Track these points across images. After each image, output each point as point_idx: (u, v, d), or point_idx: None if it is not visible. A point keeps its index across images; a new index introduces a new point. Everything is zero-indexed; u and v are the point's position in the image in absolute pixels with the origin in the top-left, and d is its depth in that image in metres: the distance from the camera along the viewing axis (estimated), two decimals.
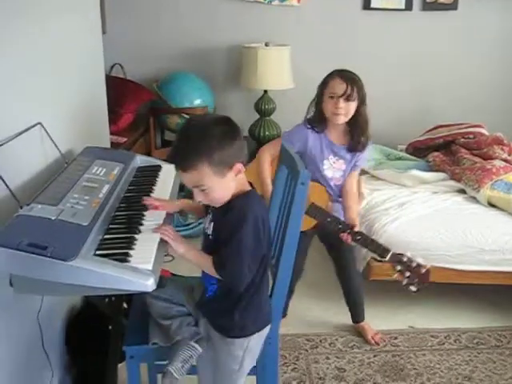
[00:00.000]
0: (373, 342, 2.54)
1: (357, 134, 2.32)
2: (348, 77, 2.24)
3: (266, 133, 3.88)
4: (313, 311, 2.78)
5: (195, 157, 1.41)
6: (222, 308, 1.60)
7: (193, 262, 1.56)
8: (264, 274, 1.61)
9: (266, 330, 1.67)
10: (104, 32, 3.80)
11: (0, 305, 1.55)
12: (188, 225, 3.48)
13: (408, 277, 2.12)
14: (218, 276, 1.52)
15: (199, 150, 1.41)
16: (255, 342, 1.65)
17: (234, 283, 1.53)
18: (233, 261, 1.48)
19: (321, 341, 2.55)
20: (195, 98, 3.74)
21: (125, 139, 3.31)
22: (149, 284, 1.33)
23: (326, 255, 2.56)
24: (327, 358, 2.43)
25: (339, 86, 2.22)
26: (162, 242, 1.52)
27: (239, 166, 1.47)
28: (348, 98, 2.22)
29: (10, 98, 1.68)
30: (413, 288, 2.12)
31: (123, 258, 1.39)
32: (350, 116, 2.27)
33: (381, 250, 2.22)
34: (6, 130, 1.63)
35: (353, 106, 2.24)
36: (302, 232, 2.31)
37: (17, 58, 1.73)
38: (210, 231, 1.58)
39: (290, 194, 1.65)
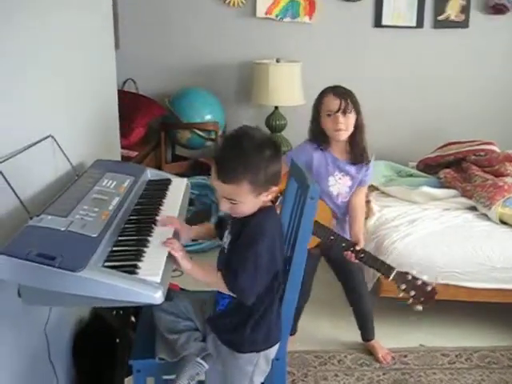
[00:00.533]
0: (383, 360, 2.51)
1: (355, 143, 2.30)
2: (340, 92, 2.24)
3: None
4: (322, 328, 2.75)
5: (242, 173, 1.42)
6: (234, 322, 1.59)
7: (200, 279, 1.54)
8: (278, 291, 1.60)
9: (276, 347, 1.66)
10: (117, 47, 3.86)
11: (8, 316, 1.56)
12: (196, 240, 3.47)
13: (413, 296, 2.10)
14: (226, 291, 1.51)
15: (248, 166, 1.42)
16: (265, 359, 1.63)
17: (244, 296, 1.51)
18: (246, 274, 1.47)
19: (330, 358, 2.53)
20: (206, 114, 3.77)
21: (136, 153, 3.33)
22: (157, 296, 1.32)
23: (332, 273, 2.53)
24: (336, 376, 2.41)
25: (333, 103, 2.22)
26: (171, 257, 1.51)
27: (275, 189, 1.50)
28: (345, 112, 2.22)
29: (23, 110, 1.70)
30: (418, 307, 2.10)
31: (132, 270, 1.38)
32: (350, 130, 2.26)
33: (384, 269, 2.20)
34: (18, 142, 1.65)
35: (351, 118, 2.24)
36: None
37: (31, 71, 1.75)
38: (226, 244, 1.59)
39: (300, 209, 1.65)
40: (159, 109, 3.76)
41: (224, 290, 1.52)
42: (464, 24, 4.01)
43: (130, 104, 3.59)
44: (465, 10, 3.99)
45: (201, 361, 1.60)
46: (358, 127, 2.28)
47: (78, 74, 2.19)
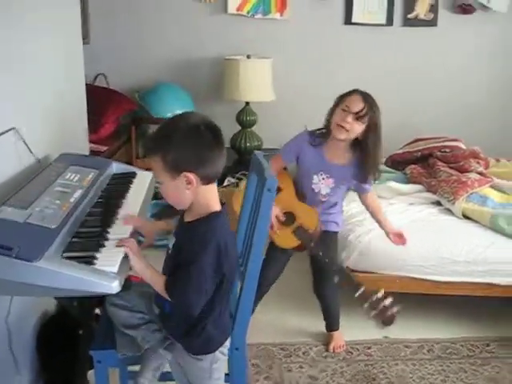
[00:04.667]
0: (332, 351, 2.56)
1: (361, 161, 2.29)
2: (369, 99, 2.23)
3: (248, 144, 3.93)
4: (288, 321, 2.79)
5: (155, 147, 1.42)
6: (182, 329, 1.56)
7: (147, 280, 1.50)
8: (224, 295, 1.55)
9: (228, 340, 1.65)
10: (88, 42, 3.86)
11: None
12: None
13: (373, 316, 2.11)
14: (168, 298, 1.47)
15: (163, 142, 1.41)
16: (220, 353, 1.62)
17: (191, 311, 1.47)
18: (192, 290, 1.42)
19: (295, 350, 2.57)
20: (177, 109, 3.74)
21: (105, 148, 3.33)
22: (113, 286, 1.33)
23: (304, 265, 2.57)
24: (300, 367, 2.44)
25: (356, 103, 2.20)
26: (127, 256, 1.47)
27: (191, 176, 1.40)
28: (358, 118, 2.19)
29: None
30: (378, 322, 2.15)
31: (89, 261, 1.39)
32: (352, 136, 2.23)
33: (353, 286, 2.20)
34: None
35: (359, 127, 2.21)
36: (282, 248, 2.38)
37: None
38: (171, 245, 1.55)
39: (258, 202, 1.67)
40: (130, 104, 3.75)
41: (165, 296, 1.47)
42: (433, 22, 4.09)
43: (101, 99, 3.58)
44: (433, 8, 4.06)
45: (164, 351, 1.61)
46: (367, 147, 2.25)
47: (43, 67, 2.18)
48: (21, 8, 1.95)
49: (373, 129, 2.23)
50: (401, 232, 2.42)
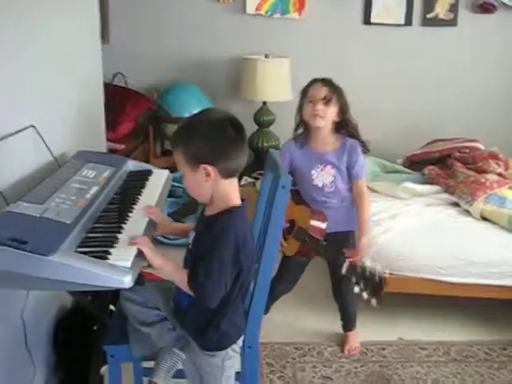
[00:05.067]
0: (347, 352, 2.55)
1: (345, 128, 2.39)
2: (329, 82, 2.33)
3: (265, 144, 3.92)
4: (304, 321, 2.79)
5: (178, 140, 1.49)
6: (198, 324, 1.57)
7: (168, 276, 1.53)
8: (240, 290, 1.57)
9: (241, 339, 1.67)
10: (107, 42, 3.90)
11: None
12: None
13: (362, 288, 2.06)
14: (190, 292, 1.49)
15: (183, 135, 1.49)
16: (232, 350, 1.64)
17: (209, 301, 1.49)
18: (211, 281, 1.44)
19: (309, 350, 2.56)
20: (194, 108, 3.75)
21: (123, 146, 3.35)
22: (126, 281, 1.34)
23: (322, 266, 2.55)
24: (314, 367, 2.44)
25: (320, 90, 2.31)
26: (141, 253, 1.47)
27: (210, 169, 1.44)
28: (327, 103, 2.29)
29: (5, 100, 1.72)
30: (372, 301, 2.04)
31: (103, 256, 1.41)
32: (328, 120, 2.33)
33: (339, 262, 2.16)
34: None
35: (332, 110, 2.31)
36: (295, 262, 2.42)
37: (15, 61, 1.78)
38: (191, 240, 1.57)
39: (272, 199, 1.67)
40: (148, 102, 3.78)
41: (188, 291, 1.50)
42: (453, 22, 4.03)
43: (119, 98, 3.61)
44: (453, 8, 4.01)
45: (178, 351, 1.61)
46: (349, 124, 2.36)
47: (62, 66, 2.21)
48: (42, 8, 1.98)
49: (346, 106, 2.33)
50: (362, 249, 2.32)
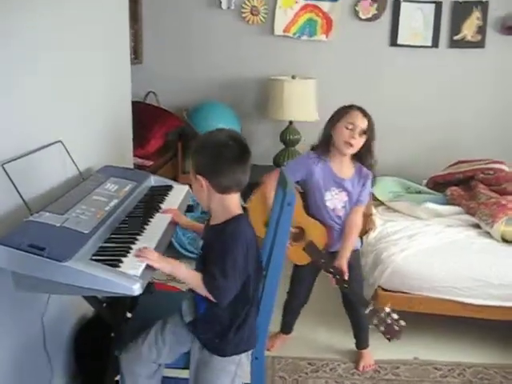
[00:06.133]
0: (361, 370, 2.56)
1: (365, 157, 2.40)
2: (368, 114, 2.33)
3: None
4: (319, 336, 2.82)
5: (191, 150, 1.67)
6: (216, 330, 1.66)
7: (181, 278, 1.64)
8: (254, 296, 1.68)
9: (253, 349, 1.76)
10: (141, 62, 4.06)
11: (7, 304, 1.69)
12: None
13: (382, 331, 2.17)
14: (204, 292, 1.58)
15: (194, 146, 1.65)
16: (246, 358, 1.73)
17: (221, 298, 1.58)
18: (224, 276, 1.55)
19: (322, 365, 2.59)
20: (222, 126, 3.88)
21: (151, 162, 3.47)
22: (134, 288, 1.43)
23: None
24: (326, 383, 2.46)
25: (361, 120, 2.31)
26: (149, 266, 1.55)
27: (202, 181, 1.58)
28: (363, 133, 2.31)
29: (35, 115, 1.85)
30: (386, 339, 2.17)
31: (115, 264, 1.49)
32: (356, 149, 2.35)
33: (361, 303, 2.28)
34: (28, 145, 1.80)
35: (362, 141, 2.33)
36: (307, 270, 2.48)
37: (45, 78, 1.91)
38: (199, 250, 1.71)
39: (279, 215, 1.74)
40: (176, 121, 3.91)
41: (202, 290, 1.59)
42: (480, 44, 4.05)
43: (150, 115, 3.76)
44: (481, 30, 4.03)
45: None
46: (369, 153, 2.38)
47: (91, 83, 2.34)
48: (74, 26, 2.12)
49: (370, 138, 2.35)
50: (344, 270, 2.31)
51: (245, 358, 1.72)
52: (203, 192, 1.61)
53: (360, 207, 2.44)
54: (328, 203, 2.40)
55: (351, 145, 2.32)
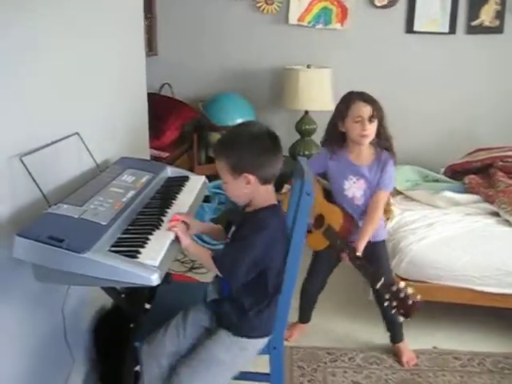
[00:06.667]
0: (406, 364, 2.51)
1: (381, 143, 2.38)
2: (370, 99, 2.30)
3: (306, 152, 3.97)
4: (338, 326, 2.81)
5: (221, 150, 1.64)
6: (239, 306, 1.68)
7: (195, 255, 1.70)
8: (277, 288, 1.71)
9: (266, 339, 1.76)
10: (156, 54, 4.06)
11: (28, 296, 1.71)
12: None
13: (395, 306, 2.05)
14: (214, 269, 1.62)
15: (228, 146, 1.63)
16: (253, 347, 1.73)
17: (228, 276, 1.63)
18: (231, 255, 1.61)
19: (341, 355, 2.58)
20: (237, 117, 3.88)
21: (167, 154, 3.49)
22: (153, 278, 1.43)
23: (358, 274, 2.56)
24: (345, 372, 2.46)
25: (364, 109, 2.28)
26: (175, 241, 1.63)
27: (250, 177, 1.59)
28: (372, 120, 2.30)
29: (52, 108, 1.86)
30: (400, 317, 2.05)
31: (133, 255, 1.50)
32: (373, 136, 2.34)
33: (372, 278, 2.18)
34: (45, 137, 1.81)
35: (375, 125, 2.32)
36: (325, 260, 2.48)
37: (61, 71, 1.91)
38: (230, 235, 1.71)
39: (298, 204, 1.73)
40: (192, 112, 3.92)
41: (212, 267, 1.63)
42: (498, 29, 3.99)
43: (165, 107, 3.77)
44: (499, 14, 3.96)
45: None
46: (384, 135, 2.35)
47: (107, 76, 2.34)
48: (88, 18, 2.12)
49: (383, 118, 2.33)
50: (358, 248, 2.27)
51: (252, 346, 1.73)
52: (247, 189, 1.62)
53: (381, 193, 2.38)
54: (346, 192, 2.39)
55: (365, 136, 2.31)
